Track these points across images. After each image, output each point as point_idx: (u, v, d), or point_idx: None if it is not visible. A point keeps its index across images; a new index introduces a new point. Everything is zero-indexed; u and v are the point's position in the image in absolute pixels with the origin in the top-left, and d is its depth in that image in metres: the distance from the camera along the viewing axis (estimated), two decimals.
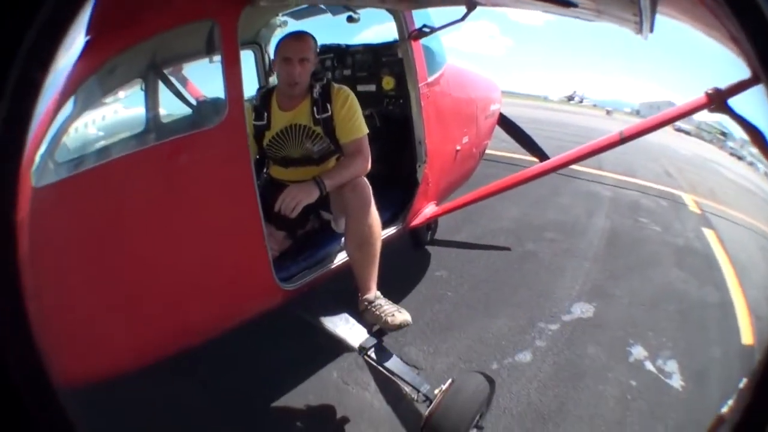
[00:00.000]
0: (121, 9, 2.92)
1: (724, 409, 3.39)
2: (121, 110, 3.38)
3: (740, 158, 22.90)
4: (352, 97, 4.13)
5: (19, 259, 1.26)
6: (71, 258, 2.92)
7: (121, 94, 3.39)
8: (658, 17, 3.49)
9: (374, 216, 4.04)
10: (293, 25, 5.43)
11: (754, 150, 3.95)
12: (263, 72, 5.85)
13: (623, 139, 4.71)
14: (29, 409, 1.29)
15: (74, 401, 1.46)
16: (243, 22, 3.44)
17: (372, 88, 5.59)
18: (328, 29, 5.79)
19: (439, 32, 4.96)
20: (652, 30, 3.57)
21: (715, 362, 5.10)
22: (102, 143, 3.30)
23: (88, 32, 2.93)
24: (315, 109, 4.06)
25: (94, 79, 3.03)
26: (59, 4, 1.19)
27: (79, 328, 2.89)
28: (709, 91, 4.14)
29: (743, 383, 3.27)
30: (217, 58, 3.37)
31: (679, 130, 34.30)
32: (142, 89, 3.45)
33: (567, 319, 5.66)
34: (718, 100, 4.09)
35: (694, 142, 29.20)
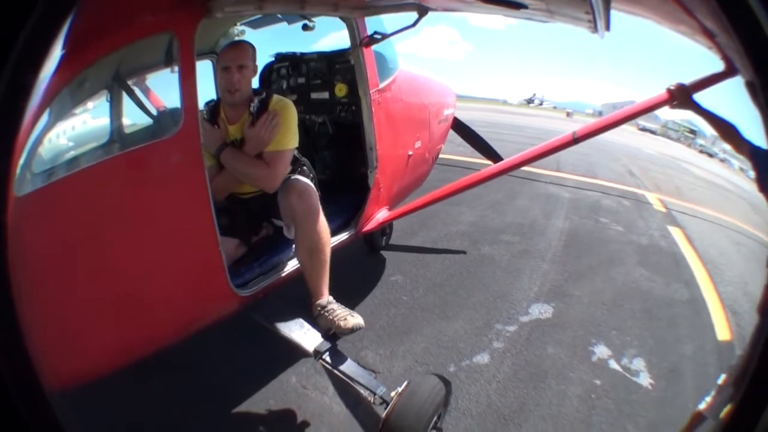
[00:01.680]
0: (87, 24, 3.01)
1: (702, 406, 3.52)
2: (90, 121, 3.52)
3: (711, 155, 23.29)
4: (286, 110, 4.25)
5: (8, 262, 1.34)
6: (43, 266, 2.98)
7: (90, 105, 3.52)
8: (619, 15, 3.62)
9: (322, 223, 4.17)
10: (251, 34, 5.53)
11: (727, 146, 4.03)
12: None
13: (576, 139, 4.80)
14: (17, 408, 1.36)
15: (59, 402, 1.55)
16: (200, 33, 3.55)
17: (325, 95, 5.72)
18: (286, 38, 5.94)
19: (393, 38, 5.10)
20: (608, 28, 3.70)
21: (686, 359, 5.22)
22: (72, 153, 3.42)
23: (63, 46, 3.03)
24: (250, 122, 4.18)
25: (66, 92, 3.18)
26: (50, 7, 1.26)
27: (47, 331, 2.81)
28: (671, 87, 4.27)
29: (722, 378, 3.42)
30: (176, 68, 3.51)
31: (643, 129, 34.77)
32: (107, 101, 3.58)
33: (525, 320, 5.78)
34: (681, 96, 4.23)
35: (660, 141, 29.67)
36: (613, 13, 3.55)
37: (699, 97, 4.22)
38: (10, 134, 1.28)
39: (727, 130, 3.87)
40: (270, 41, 6.02)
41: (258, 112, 4.19)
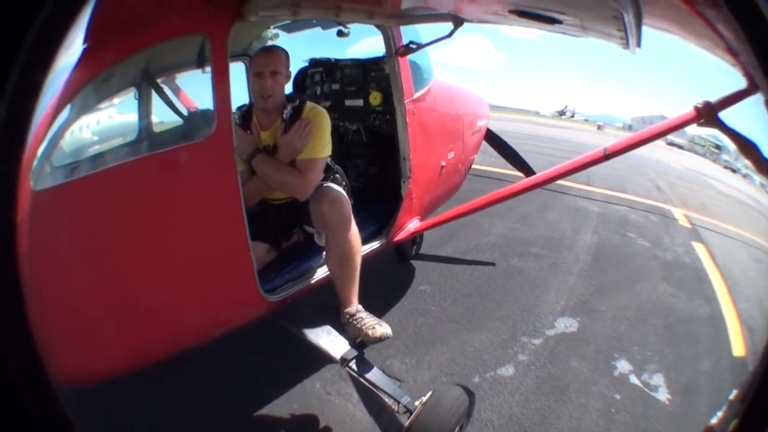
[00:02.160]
0: (117, 19, 3.08)
1: (713, 421, 3.55)
2: (116, 118, 3.54)
3: (734, 171, 23.18)
4: (320, 118, 4.21)
5: (18, 259, 1.32)
6: (66, 262, 3.03)
7: (117, 102, 3.56)
8: (648, 30, 3.66)
9: (353, 232, 4.15)
10: (284, 38, 5.51)
11: (748, 162, 4.06)
12: None
13: (607, 156, 4.80)
14: (26, 405, 1.37)
15: (69, 400, 1.54)
16: (234, 35, 3.56)
17: (360, 103, 5.71)
18: (320, 43, 5.95)
19: (428, 48, 5.09)
20: (639, 45, 3.72)
21: (704, 375, 5.21)
22: (97, 150, 3.48)
23: (86, 40, 3.08)
24: (282, 129, 4.16)
25: (91, 87, 3.21)
26: (58, 5, 1.27)
27: (68, 330, 2.96)
28: (698, 105, 4.27)
29: (733, 394, 3.45)
30: (208, 70, 3.50)
31: (671, 144, 34.57)
32: (136, 98, 3.62)
33: (550, 334, 5.78)
34: (707, 114, 4.22)
35: (687, 156, 29.52)
36: (645, 29, 3.63)
37: (723, 114, 4.21)
38: (19, 135, 1.29)
39: (748, 148, 3.92)
40: (303, 45, 6.02)
41: (291, 119, 4.16)
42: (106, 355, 3.26)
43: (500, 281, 7.07)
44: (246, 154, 4.03)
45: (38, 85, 1.27)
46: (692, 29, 3.21)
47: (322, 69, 5.92)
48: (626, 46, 3.78)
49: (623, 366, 5.33)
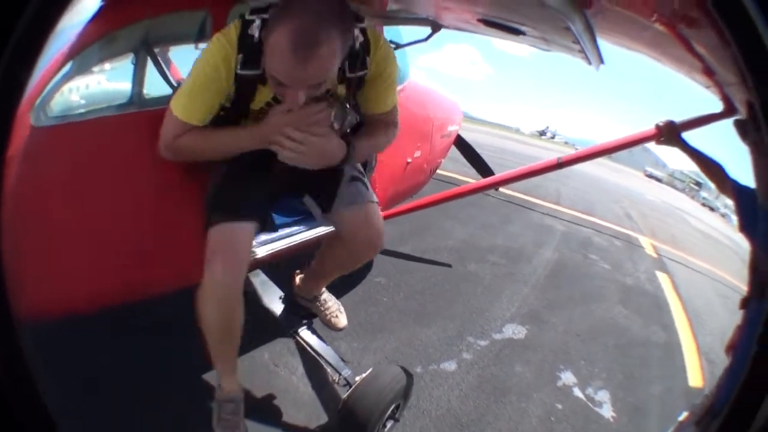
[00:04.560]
0: None
1: None
2: (113, 79, 3.91)
3: (712, 209, 23.54)
4: (391, 54, 3.12)
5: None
6: (54, 193, 3.20)
7: (116, 64, 3.86)
8: (617, 50, 3.81)
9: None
10: None
11: (729, 201, 4.22)
12: None
13: (560, 164, 5.14)
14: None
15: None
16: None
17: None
18: None
19: (410, 50, 5.39)
20: (601, 60, 3.88)
21: (653, 399, 5.33)
22: (91, 105, 3.69)
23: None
24: (348, 62, 2.90)
25: (96, 45, 3.43)
26: (44, 5, 1.24)
27: (45, 260, 3.12)
28: (660, 124, 4.44)
29: (683, 416, 3.60)
30: (203, 46, 3.62)
31: (650, 176, 35.01)
32: (132, 63, 3.83)
33: (497, 338, 5.93)
34: (668, 133, 4.39)
35: (665, 190, 29.97)
36: (611, 47, 3.78)
37: (691, 134, 4.38)
38: (3, 130, 1.27)
39: (712, 169, 3.98)
40: None
41: (363, 49, 2.97)
42: (75, 288, 3.31)
43: (454, 283, 7.23)
44: (338, 158, 2.96)
45: (22, 84, 1.26)
46: (665, 50, 3.39)
47: None
48: (588, 60, 3.92)
49: (568, 378, 5.47)
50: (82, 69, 3.52)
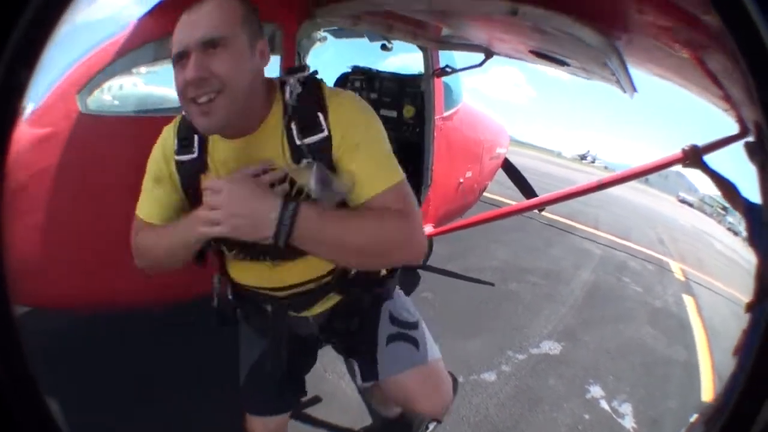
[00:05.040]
0: None
1: None
2: (165, 82, 4.15)
3: (736, 234, 23.45)
4: (366, 107, 2.24)
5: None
6: (96, 184, 3.50)
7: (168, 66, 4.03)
8: (647, 77, 4.11)
9: None
10: (331, 42, 5.95)
11: (728, 203, 4.47)
12: None
13: (599, 186, 5.46)
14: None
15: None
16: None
17: (394, 114, 6.15)
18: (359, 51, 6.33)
19: (461, 73, 5.68)
20: (635, 89, 4.19)
21: (670, 412, 5.50)
22: (142, 104, 4.13)
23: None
24: (292, 128, 2.08)
25: (153, 45, 3.72)
26: (45, 3, 1.18)
27: (67, 248, 3.45)
28: (686, 148, 4.68)
29: (693, 418, 3.86)
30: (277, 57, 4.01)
31: (683, 201, 34.92)
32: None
33: (534, 352, 6.20)
34: (692, 156, 4.62)
35: (696, 214, 30.06)
36: (644, 76, 4.08)
37: (711, 156, 4.63)
38: (3, 134, 1.16)
39: (727, 188, 4.32)
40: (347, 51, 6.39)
41: (306, 111, 2.10)
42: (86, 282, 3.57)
43: (496, 301, 7.50)
44: (265, 234, 1.88)
45: (23, 84, 1.17)
46: (686, 74, 3.60)
47: (363, 77, 6.33)
48: (622, 89, 4.24)
49: (596, 391, 5.71)
50: (139, 63, 3.82)
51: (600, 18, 3.21)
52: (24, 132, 3.35)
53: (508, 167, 8.55)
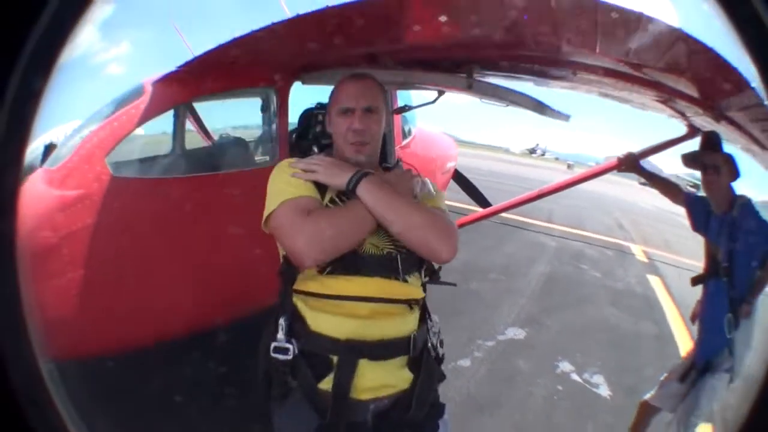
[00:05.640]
0: (220, 61, 4.33)
1: (647, 396, 4.59)
2: (192, 139, 5.07)
3: None
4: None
5: (17, 266, 1.28)
6: (141, 240, 4.07)
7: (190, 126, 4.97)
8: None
9: None
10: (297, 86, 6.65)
11: (668, 199, 5.04)
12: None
13: (540, 195, 6.70)
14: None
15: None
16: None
17: None
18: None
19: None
20: (567, 118, 4.93)
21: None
22: (172, 159, 4.89)
23: (188, 65, 4.34)
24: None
25: (182, 108, 4.68)
26: (61, 8, 1.24)
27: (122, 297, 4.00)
28: (621, 156, 5.31)
29: (664, 376, 4.52)
30: (272, 114, 4.97)
31: (644, 184, 35.46)
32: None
33: (501, 339, 7.00)
34: (627, 163, 5.24)
35: (661, 196, 30.49)
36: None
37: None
38: (19, 142, 1.24)
39: (668, 186, 4.89)
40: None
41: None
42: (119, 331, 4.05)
43: (460, 299, 7.92)
44: (344, 180, 2.46)
45: (38, 92, 1.24)
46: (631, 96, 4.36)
47: (324, 111, 6.99)
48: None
49: (565, 366, 6.50)
50: (169, 125, 4.68)
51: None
52: (46, 192, 3.89)
53: (458, 177, 9.51)
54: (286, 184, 2.49)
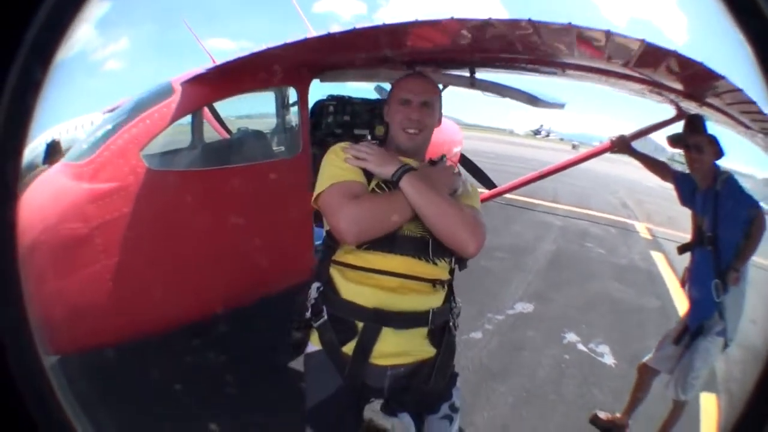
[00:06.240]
0: (247, 65, 4.58)
1: (645, 359, 4.95)
2: (220, 134, 5.50)
3: None
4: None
5: (17, 258, 1.27)
6: (176, 225, 4.33)
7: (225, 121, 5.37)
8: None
9: None
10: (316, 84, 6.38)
11: (658, 178, 5.36)
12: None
13: (542, 176, 6.87)
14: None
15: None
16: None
17: (366, 132, 7.03)
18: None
19: None
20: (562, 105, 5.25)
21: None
22: (203, 154, 5.22)
23: (216, 69, 4.65)
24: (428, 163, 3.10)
25: (210, 106, 4.96)
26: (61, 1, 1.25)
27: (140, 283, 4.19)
28: (613, 138, 5.57)
29: (663, 337, 4.82)
30: (295, 110, 5.32)
31: None
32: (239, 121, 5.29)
33: (510, 313, 7.54)
34: (620, 145, 5.46)
35: None
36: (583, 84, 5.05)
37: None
38: (19, 133, 1.25)
39: (658, 166, 5.12)
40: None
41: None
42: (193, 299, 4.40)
43: (470, 276, 8.20)
44: (390, 172, 2.72)
45: (38, 83, 1.25)
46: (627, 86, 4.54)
47: (335, 103, 7.19)
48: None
49: (572, 337, 6.92)
50: (199, 122, 5.07)
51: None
52: (74, 186, 4.16)
53: (464, 161, 9.71)
54: (338, 167, 2.75)
